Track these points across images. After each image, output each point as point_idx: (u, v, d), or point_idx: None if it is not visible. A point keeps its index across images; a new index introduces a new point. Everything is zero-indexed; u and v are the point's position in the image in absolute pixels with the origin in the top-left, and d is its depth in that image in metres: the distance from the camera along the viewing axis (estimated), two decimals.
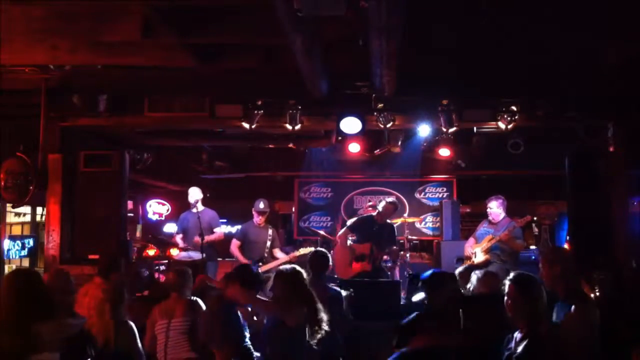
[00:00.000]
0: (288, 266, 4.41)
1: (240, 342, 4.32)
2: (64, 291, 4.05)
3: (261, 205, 7.97)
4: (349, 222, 8.21)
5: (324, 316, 4.15)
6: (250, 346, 4.39)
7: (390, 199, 7.98)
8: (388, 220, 7.89)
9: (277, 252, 7.90)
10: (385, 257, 7.78)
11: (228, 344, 4.26)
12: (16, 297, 3.39)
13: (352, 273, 7.37)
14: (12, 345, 3.26)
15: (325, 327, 4.14)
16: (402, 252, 8.56)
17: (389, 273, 7.93)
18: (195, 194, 7.96)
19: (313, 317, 4.12)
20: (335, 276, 7.91)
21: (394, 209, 7.77)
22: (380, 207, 7.76)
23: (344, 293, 5.34)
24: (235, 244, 7.98)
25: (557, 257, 4.01)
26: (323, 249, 5.10)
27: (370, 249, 7.45)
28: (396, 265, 8.28)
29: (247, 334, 4.44)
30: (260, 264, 7.68)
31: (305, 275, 4.30)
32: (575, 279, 3.98)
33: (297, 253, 7.83)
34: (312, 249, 8.14)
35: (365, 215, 8.25)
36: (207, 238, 7.56)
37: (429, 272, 4.53)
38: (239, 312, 4.45)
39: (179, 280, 4.98)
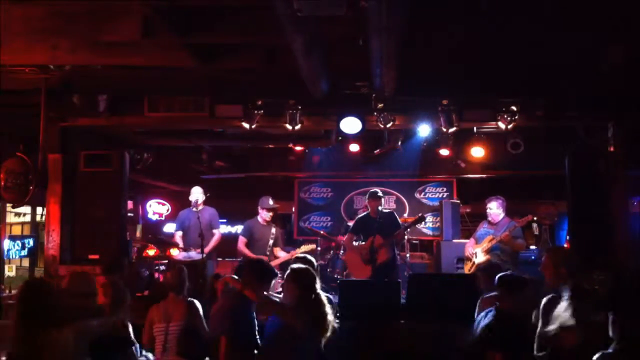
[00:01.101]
0: (302, 266, 4.27)
1: (249, 337, 4.25)
2: (85, 295, 4.00)
3: (270, 202, 7.89)
4: (351, 225, 8.18)
5: (331, 318, 4.05)
6: (258, 340, 4.31)
7: (370, 191, 7.84)
8: (384, 210, 7.85)
9: (278, 251, 7.88)
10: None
11: (236, 336, 4.20)
12: (23, 308, 3.45)
13: (369, 273, 7.35)
14: (20, 353, 3.32)
15: (331, 329, 4.04)
16: (401, 252, 8.55)
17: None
18: (197, 193, 7.94)
19: (321, 321, 4.01)
20: (336, 276, 7.96)
21: (377, 200, 7.63)
22: (366, 203, 7.79)
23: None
24: (242, 241, 7.87)
25: (562, 258, 4.07)
26: (309, 257, 5.00)
27: (371, 242, 7.43)
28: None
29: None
30: None
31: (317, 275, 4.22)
32: (579, 278, 4.03)
33: (298, 251, 7.82)
34: (313, 246, 8.20)
35: (361, 215, 8.24)
36: (207, 249, 7.45)
37: (509, 273, 4.54)
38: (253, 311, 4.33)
39: (177, 280, 4.96)
